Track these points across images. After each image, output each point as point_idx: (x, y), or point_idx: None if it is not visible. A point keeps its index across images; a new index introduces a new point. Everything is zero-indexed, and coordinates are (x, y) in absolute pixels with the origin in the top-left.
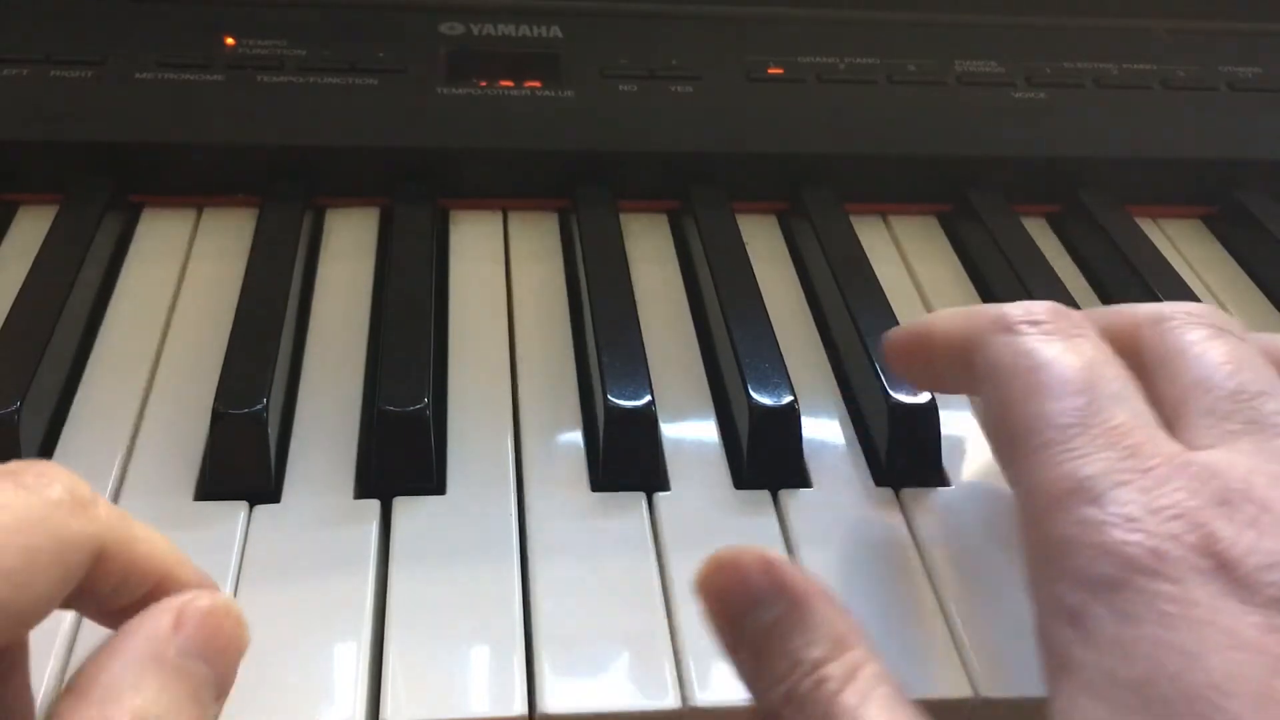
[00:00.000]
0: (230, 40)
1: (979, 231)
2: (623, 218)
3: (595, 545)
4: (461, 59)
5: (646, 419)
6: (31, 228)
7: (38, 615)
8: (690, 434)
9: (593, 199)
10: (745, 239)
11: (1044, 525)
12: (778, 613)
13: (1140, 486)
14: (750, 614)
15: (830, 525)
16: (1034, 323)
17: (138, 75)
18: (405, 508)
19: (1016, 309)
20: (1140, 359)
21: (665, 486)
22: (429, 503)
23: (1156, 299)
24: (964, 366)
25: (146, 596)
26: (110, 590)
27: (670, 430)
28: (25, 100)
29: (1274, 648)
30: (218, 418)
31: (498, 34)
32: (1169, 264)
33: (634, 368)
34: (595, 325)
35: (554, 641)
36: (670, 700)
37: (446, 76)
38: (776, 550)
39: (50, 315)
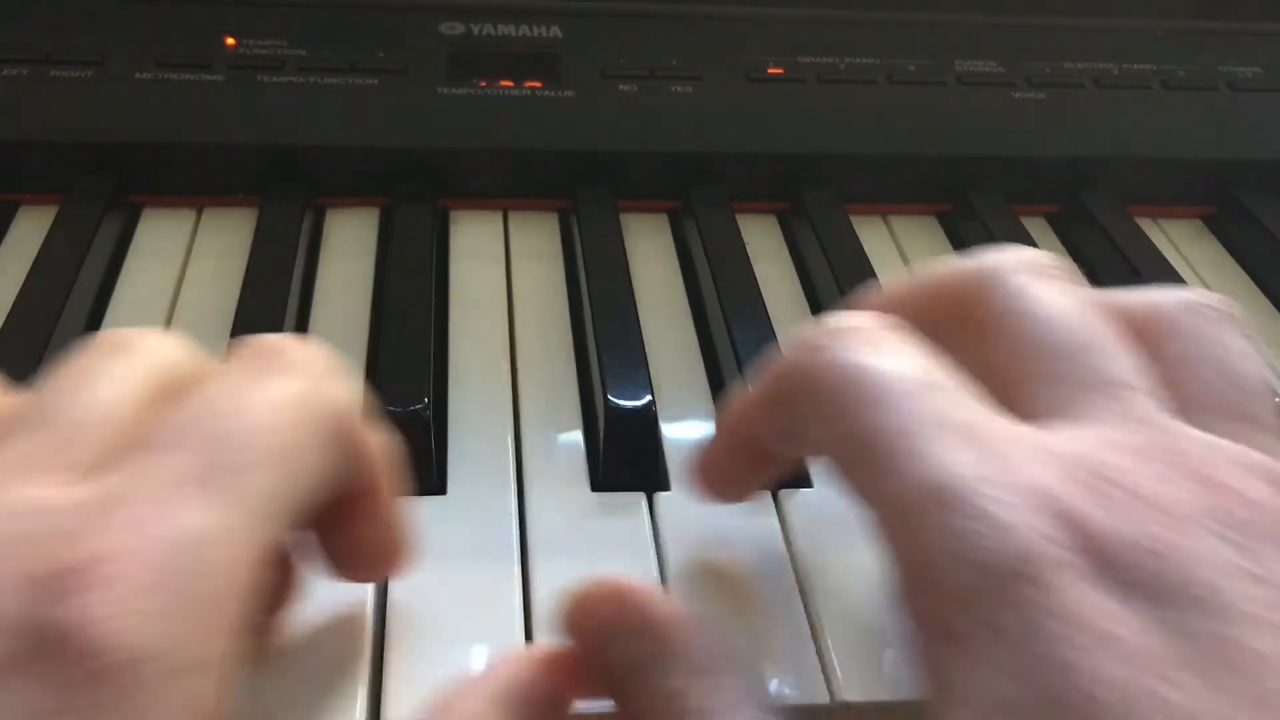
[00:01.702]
0: (230, 40)
1: (979, 231)
2: (623, 218)
3: (595, 545)
4: (461, 59)
5: (646, 419)
6: (31, 228)
7: (318, 494)
8: (690, 434)
9: (593, 199)
10: (745, 239)
11: (903, 538)
12: (639, 645)
13: (996, 483)
14: (612, 648)
15: (829, 523)
16: (839, 334)
17: (138, 75)
18: (405, 508)
19: (815, 327)
20: (972, 319)
21: (665, 486)
22: (429, 503)
23: None
24: (783, 410)
25: (364, 503)
26: (346, 467)
27: (670, 430)
28: (25, 100)
29: (1150, 644)
30: None
31: (498, 34)
32: (1169, 264)
33: (634, 368)
34: (595, 325)
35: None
36: None
37: (446, 76)
38: (646, 580)
39: (50, 315)
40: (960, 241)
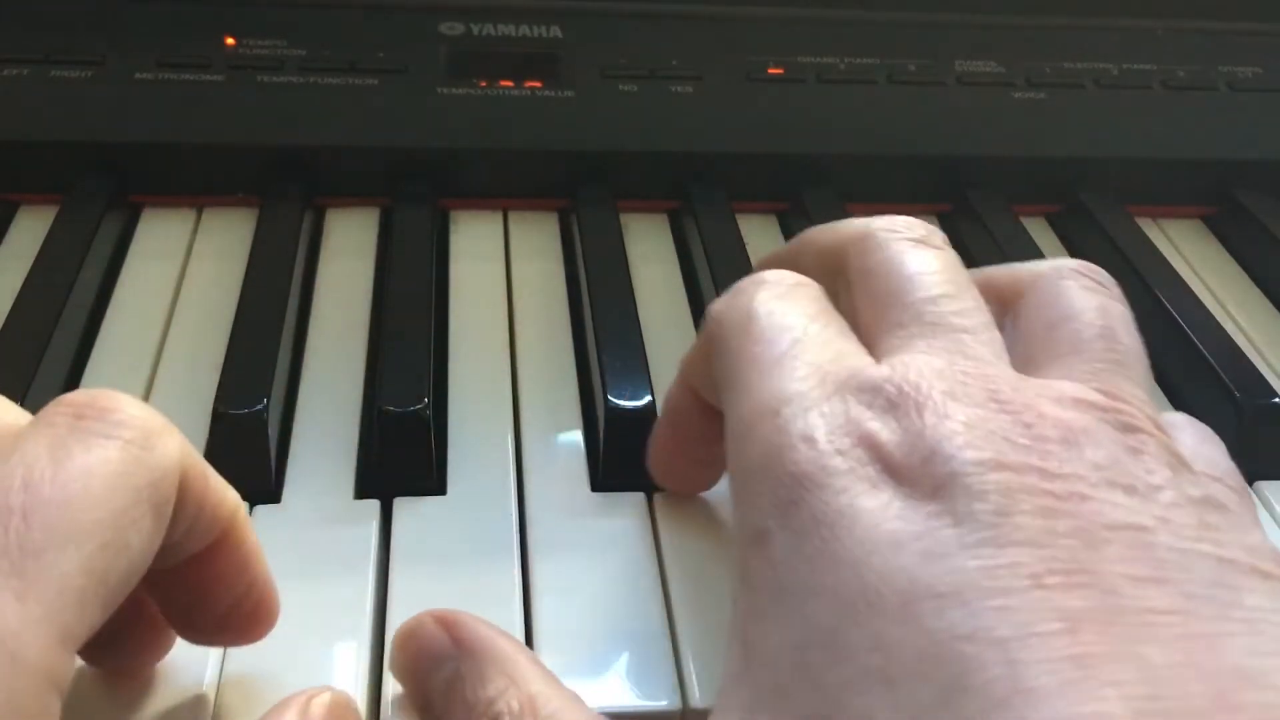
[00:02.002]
0: (230, 40)
1: (979, 231)
2: (623, 218)
3: (595, 545)
4: (461, 59)
5: (646, 419)
6: (31, 228)
7: (143, 567)
8: None
9: (593, 199)
10: (745, 239)
11: (735, 451)
12: (455, 666)
13: (820, 411)
14: (433, 675)
15: None
16: (758, 283)
17: (138, 75)
18: (405, 508)
19: (745, 279)
20: (846, 275)
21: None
22: (429, 503)
23: (1157, 299)
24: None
25: (213, 551)
26: (183, 531)
27: None
28: (25, 100)
29: (935, 531)
30: (218, 418)
31: (498, 34)
32: (1169, 264)
33: (634, 368)
34: (595, 325)
35: (553, 641)
36: (670, 700)
37: (446, 76)
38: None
39: (50, 315)
40: (960, 241)
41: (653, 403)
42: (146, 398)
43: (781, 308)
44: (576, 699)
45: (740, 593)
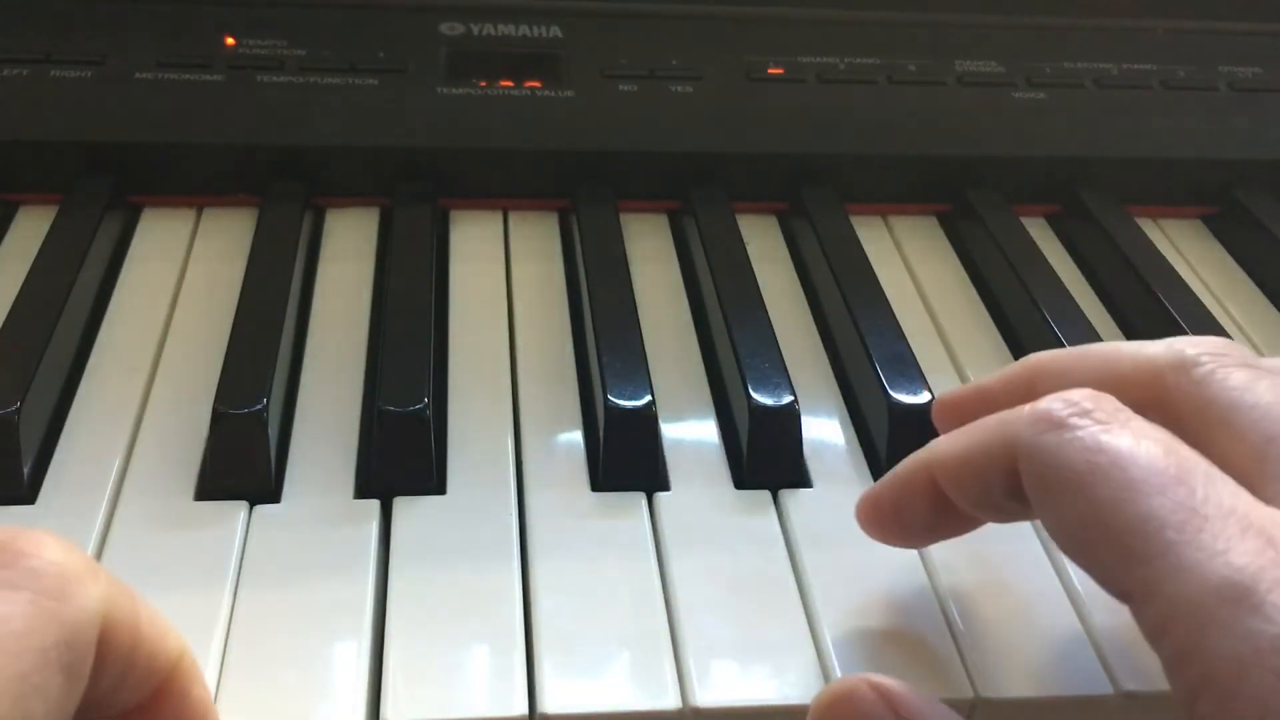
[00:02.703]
0: (230, 40)
1: (979, 231)
2: (623, 218)
3: (595, 545)
4: (461, 59)
5: (646, 419)
6: (31, 228)
7: None
8: (690, 434)
9: (593, 199)
10: (745, 239)
11: (1199, 642)
12: None
13: None
14: None
15: (831, 525)
16: (1084, 413)
17: (138, 75)
18: (405, 508)
19: (1055, 402)
20: (1170, 409)
21: (665, 486)
22: (429, 503)
23: (1156, 299)
24: (1000, 480)
25: (152, 707)
26: (110, 686)
27: (670, 430)
28: (25, 100)
29: None
30: (218, 418)
31: (498, 34)
32: (1169, 264)
33: (634, 368)
34: (595, 325)
35: (554, 641)
36: (670, 700)
37: (446, 76)
38: (884, 678)
39: (50, 315)
40: (960, 241)
41: (652, 402)
42: (146, 398)
43: (1145, 445)
44: None
45: None
